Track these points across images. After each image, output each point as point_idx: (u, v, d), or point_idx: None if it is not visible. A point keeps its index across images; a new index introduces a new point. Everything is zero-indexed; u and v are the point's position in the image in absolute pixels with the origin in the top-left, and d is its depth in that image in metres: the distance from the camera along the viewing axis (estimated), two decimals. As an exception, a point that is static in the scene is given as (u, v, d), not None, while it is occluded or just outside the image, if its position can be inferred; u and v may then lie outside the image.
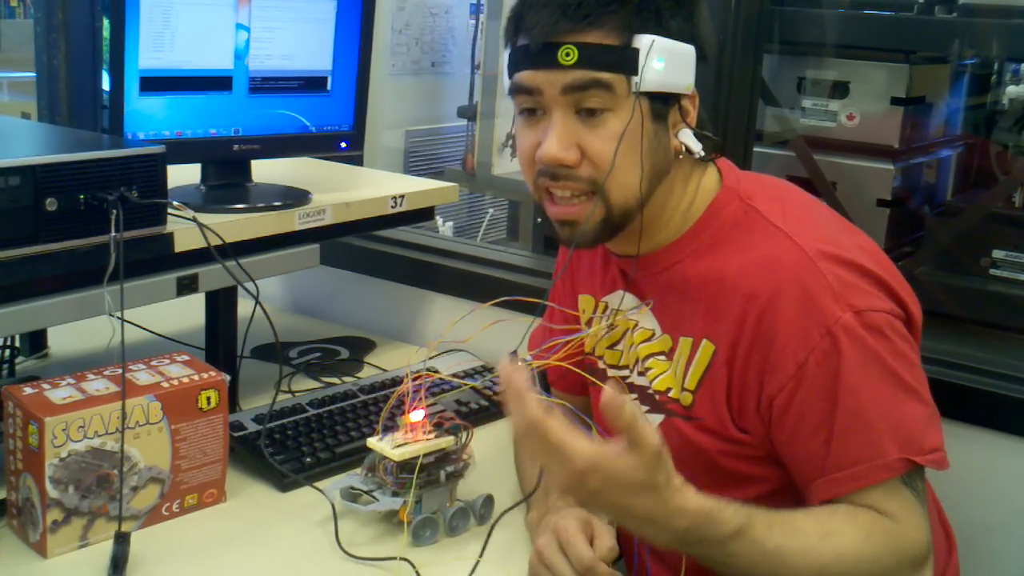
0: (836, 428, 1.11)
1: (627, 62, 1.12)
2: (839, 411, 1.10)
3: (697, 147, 1.18)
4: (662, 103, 1.15)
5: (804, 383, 1.11)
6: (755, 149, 1.80)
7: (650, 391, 1.26)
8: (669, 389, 1.24)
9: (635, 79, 1.12)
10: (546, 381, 1.06)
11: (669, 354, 1.24)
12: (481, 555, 1.16)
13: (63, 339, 1.81)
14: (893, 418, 1.11)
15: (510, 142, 2.73)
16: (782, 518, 1.06)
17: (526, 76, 1.15)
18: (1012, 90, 2.16)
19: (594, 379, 1.26)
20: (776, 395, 1.13)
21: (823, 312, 1.10)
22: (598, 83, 1.12)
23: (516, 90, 1.18)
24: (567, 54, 1.11)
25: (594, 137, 1.14)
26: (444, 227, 2.83)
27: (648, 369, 1.26)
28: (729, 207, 1.22)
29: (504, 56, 1.20)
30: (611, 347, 1.33)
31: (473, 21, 2.95)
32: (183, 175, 1.53)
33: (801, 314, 1.11)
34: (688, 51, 1.15)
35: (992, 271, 1.82)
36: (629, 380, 1.30)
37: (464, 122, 2.88)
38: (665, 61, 1.12)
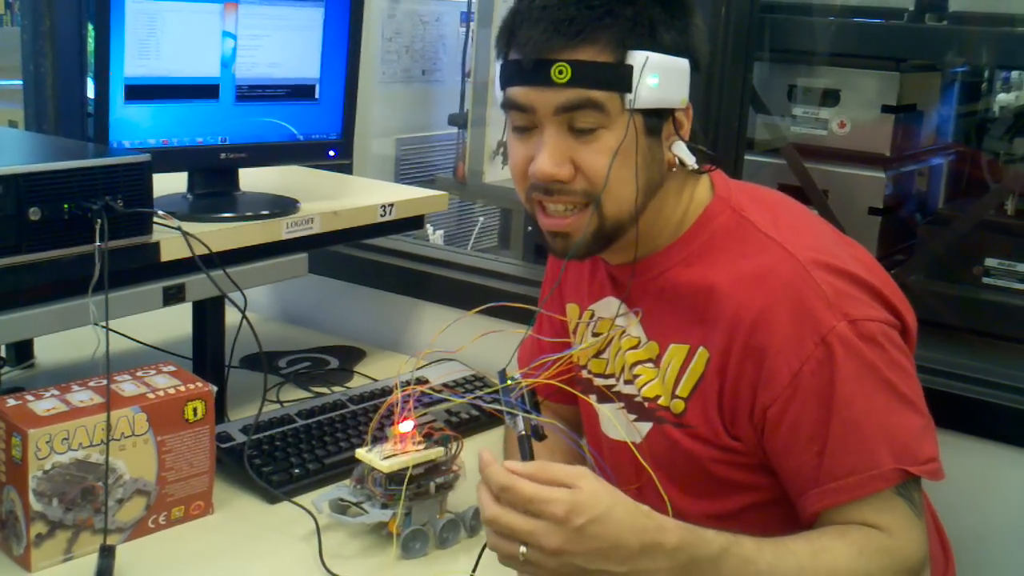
0: (830, 438, 1.10)
1: (621, 80, 1.10)
2: (833, 421, 1.09)
3: (691, 160, 1.17)
4: (656, 118, 1.14)
5: (799, 392, 1.10)
6: (746, 157, 1.80)
7: (638, 399, 1.25)
8: (658, 396, 1.23)
9: (629, 96, 1.10)
10: (536, 399, 1.05)
11: (656, 361, 1.23)
12: (474, 571, 1.14)
13: (50, 349, 1.80)
14: (888, 428, 1.10)
15: (501, 150, 2.72)
16: (771, 539, 1.06)
17: (518, 93, 1.14)
18: (1003, 98, 2.16)
19: (583, 395, 1.26)
20: (770, 404, 1.12)
21: (817, 321, 1.10)
22: (591, 103, 1.10)
23: (508, 105, 1.16)
24: (560, 72, 1.09)
25: (588, 152, 1.12)
26: (434, 235, 2.82)
27: (636, 376, 1.25)
28: (721, 216, 1.21)
29: (496, 67, 1.19)
30: (596, 356, 1.32)
31: (464, 29, 2.95)
32: (169, 184, 1.52)
33: (795, 323, 1.10)
34: (682, 65, 1.14)
35: (985, 279, 1.81)
36: (615, 389, 1.29)
37: (455, 130, 2.87)
38: (659, 77, 1.11)
